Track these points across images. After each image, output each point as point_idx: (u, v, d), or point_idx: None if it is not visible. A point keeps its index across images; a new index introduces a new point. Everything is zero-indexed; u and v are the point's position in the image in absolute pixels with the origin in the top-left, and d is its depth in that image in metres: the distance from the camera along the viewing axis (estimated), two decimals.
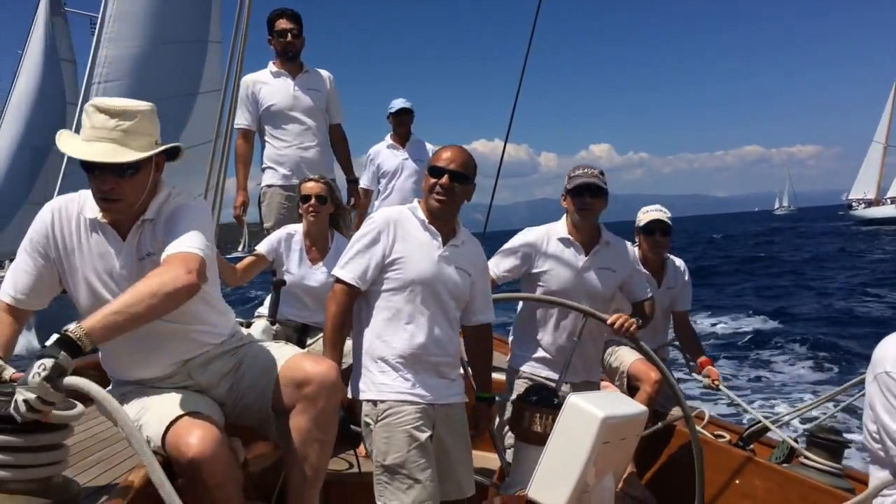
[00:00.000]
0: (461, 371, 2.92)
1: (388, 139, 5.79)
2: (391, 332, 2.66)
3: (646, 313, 3.51)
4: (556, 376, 3.32)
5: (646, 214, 4.04)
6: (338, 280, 2.69)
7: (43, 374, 1.65)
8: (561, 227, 3.42)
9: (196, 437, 1.98)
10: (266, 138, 4.82)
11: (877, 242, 44.57)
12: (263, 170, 4.81)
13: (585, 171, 3.33)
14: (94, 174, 2.02)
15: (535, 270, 3.37)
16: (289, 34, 4.71)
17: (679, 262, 4.23)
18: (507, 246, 3.43)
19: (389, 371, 2.63)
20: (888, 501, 2.52)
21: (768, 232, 69.08)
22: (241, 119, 4.71)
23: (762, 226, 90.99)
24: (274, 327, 3.63)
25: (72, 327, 1.78)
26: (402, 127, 5.73)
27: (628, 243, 3.56)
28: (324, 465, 2.27)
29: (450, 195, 2.71)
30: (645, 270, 3.92)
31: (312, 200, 3.82)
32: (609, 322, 3.08)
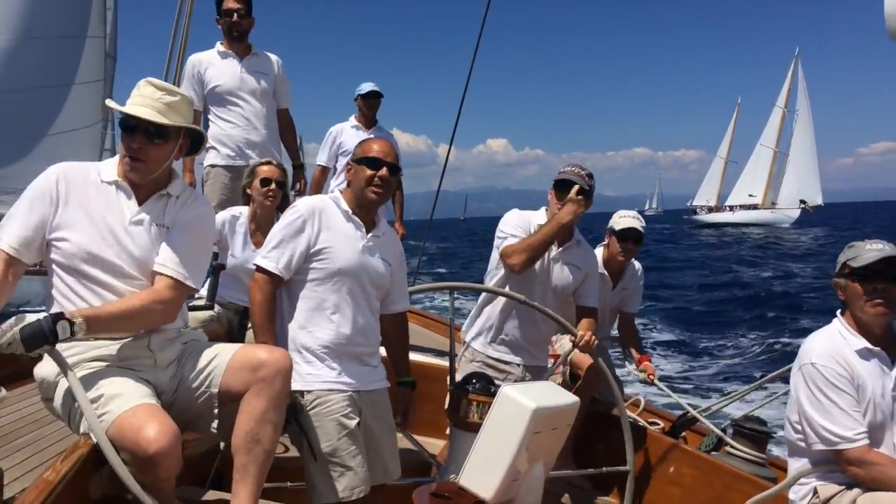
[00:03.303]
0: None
1: (353, 119, 5.74)
2: (316, 322, 2.63)
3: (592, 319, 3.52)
4: (507, 358, 3.47)
5: (622, 219, 4.06)
6: (259, 269, 2.61)
7: (18, 327, 1.85)
8: (541, 217, 3.50)
9: (155, 432, 1.96)
10: (210, 118, 4.75)
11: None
12: (207, 149, 4.71)
13: (573, 169, 3.42)
14: (130, 134, 2.27)
15: None
16: (235, 14, 4.64)
17: (638, 266, 4.29)
18: (509, 228, 3.44)
19: (315, 361, 2.61)
20: (805, 489, 2.64)
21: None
22: None
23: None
24: (213, 311, 3.58)
25: (72, 312, 2.00)
26: (370, 110, 5.69)
27: (595, 249, 3.67)
28: (274, 447, 2.25)
29: (387, 187, 2.71)
30: (604, 270, 4.00)
31: (273, 185, 3.77)
32: (578, 338, 3.22)
